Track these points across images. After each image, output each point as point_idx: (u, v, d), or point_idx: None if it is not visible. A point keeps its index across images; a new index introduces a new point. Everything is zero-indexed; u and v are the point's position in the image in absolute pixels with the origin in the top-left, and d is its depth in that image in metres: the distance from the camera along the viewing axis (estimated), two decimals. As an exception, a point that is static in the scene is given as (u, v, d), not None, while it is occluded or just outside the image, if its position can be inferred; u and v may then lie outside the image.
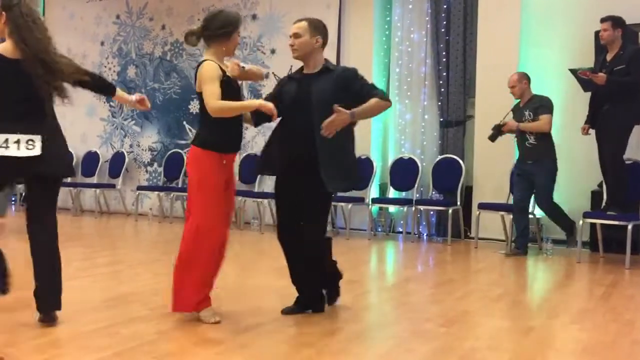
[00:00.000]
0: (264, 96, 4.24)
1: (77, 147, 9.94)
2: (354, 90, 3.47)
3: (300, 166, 3.49)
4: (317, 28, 3.53)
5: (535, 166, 6.11)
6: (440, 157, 7.39)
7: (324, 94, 3.42)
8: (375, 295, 4.53)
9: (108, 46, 9.81)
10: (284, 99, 3.58)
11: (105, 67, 9.82)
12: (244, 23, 8.56)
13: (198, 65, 3.40)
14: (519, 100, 6.28)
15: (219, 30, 3.40)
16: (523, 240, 6.16)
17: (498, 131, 6.20)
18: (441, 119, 7.47)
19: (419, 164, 7.38)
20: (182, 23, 9.14)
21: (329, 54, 7.80)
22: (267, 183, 8.33)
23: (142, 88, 9.48)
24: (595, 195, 6.33)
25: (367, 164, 7.59)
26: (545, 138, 6.06)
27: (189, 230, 3.42)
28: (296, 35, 3.51)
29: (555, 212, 6.20)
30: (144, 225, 8.21)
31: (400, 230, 7.53)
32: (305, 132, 3.42)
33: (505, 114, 6.28)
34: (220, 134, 3.45)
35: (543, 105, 6.05)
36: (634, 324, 3.63)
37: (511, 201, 6.78)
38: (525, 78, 6.21)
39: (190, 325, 3.40)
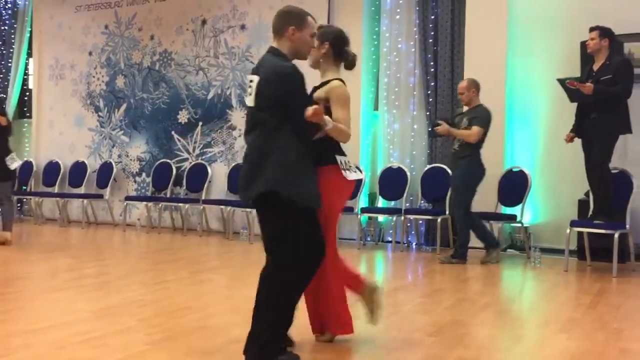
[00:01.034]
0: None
1: (65, 157, 9.90)
2: None
3: None
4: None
5: (456, 171, 6.27)
6: (429, 166, 7.42)
7: None
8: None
9: (96, 56, 9.79)
10: None
11: (94, 77, 9.79)
12: (232, 33, 8.64)
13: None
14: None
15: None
16: (461, 251, 6.15)
17: (433, 129, 6.43)
18: (430, 129, 7.51)
19: (408, 174, 7.41)
20: (170, 33, 9.14)
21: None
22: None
23: (130, 98, 9.47)
24: (582, 204, 6.38)
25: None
26: (468, 146, 6.12)
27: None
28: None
29: (465, 224, 6.17)
30: (132, 236, 8.17)
31: (390, 239, 7.55)
32: None
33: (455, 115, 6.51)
34: None
35: (478, 117, 6.13)
36: (621, 333, 3.65)
37: (500, 210, 6.83)
38: (473, 86, 6.28)
39: (179, 336, 3.38)
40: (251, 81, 2.98)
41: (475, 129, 6.06)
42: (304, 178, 2.95)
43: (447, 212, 7.05)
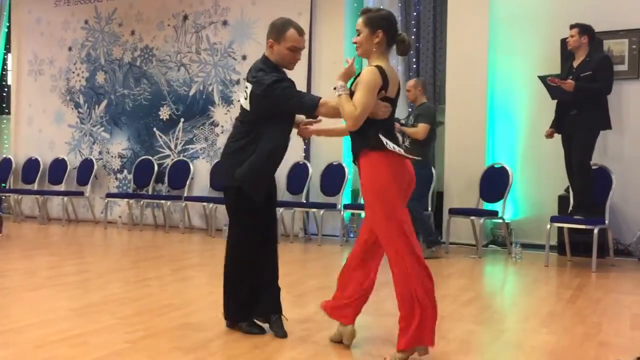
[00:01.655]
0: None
1: (44, 154, 9.79)
2: None
3: None
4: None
5: None
6: (411, 163, 7.43)
7: None
8: (347, 301, 4.52)
9: (76, 51, 9.68)
10: None
11: (74, 72, 9.69)
12: (214, 29, 8.59)
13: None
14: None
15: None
16: (431, 238, 6.33)
17: None
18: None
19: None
20: (151, 29, 9.07)
21: (301, 61, 7.81)
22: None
23: (111, 94, 9.38)
24: (562, 200, 6.44)
25: (338, 170, 7.62)
26: (418, 143, 6.28)
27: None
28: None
29: (419, 218, 6.30)
30: (113, 234, 8.10)
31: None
32: None
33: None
34: None
35: (422, 115, 6.34)
36: (600, 326, 3.69)
37: (482, 206, 6.87)
38: (420, 85, 6.51)
39: (160, 334, 3.36)
40: (246, 87, 3.30)
41: (422, 125, 6.26)
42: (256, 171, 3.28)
43: (429, 209, 7.07)
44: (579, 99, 5.73)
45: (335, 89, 3.01)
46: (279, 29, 3.29)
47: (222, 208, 8.00)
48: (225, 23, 8.54)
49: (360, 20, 3.05)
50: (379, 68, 2.94)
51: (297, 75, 8.05)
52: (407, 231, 2.98)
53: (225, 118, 8.49)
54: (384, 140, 2.95)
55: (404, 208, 3.07)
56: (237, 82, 8.42)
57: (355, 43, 3.07)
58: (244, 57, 8.38)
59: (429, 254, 6.24)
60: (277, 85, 3.19)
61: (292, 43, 3.27)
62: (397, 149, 2.99)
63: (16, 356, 2.97)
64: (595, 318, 3.91)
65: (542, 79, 5.98)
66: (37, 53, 9.99)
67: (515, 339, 3.47)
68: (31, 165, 9.77)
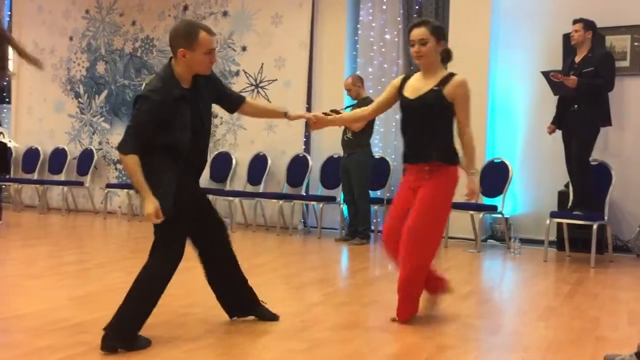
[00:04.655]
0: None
1: (44, 144, 9.78)
2: None
3: None
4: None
5: (350, 159, 6.78)
6: (411, 156, 7.43)
7: None
8: (345, 294, 4.53)
9: (77, 41, 9.65)
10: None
11: (74, 62, 9.67)
12: (214, 20, 8.57)
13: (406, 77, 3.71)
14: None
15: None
16: (352, 229, 6.83)
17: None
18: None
19: (390, 164, 7.42)
20: (152, 19, 9.04)
21: (302, 53, 7.82)
22: (237, 182, 8.30)
23: (111, 84, 9.36)
24: (562, 196, 6.45)
25: (336, 163, 7.60)
26: (359, 135, 6.54)
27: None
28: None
29: (366, 207, 6.81)
30: (112, 224, 8.10)
31: (372, 228, 7.56)
32: None
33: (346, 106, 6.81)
34: None
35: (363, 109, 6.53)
36: (597, 321, 3.71)
37: (481, 201, 6.87)
38: (358, 81, 6.79)
39: (159, 324, 3.36)
40: None
41: None
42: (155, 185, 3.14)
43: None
44: (580, 95, 5.72)
45: None
46: (189, 35, 2.96)
47: (221, 199, 8.02)
48: (225, 14, 8.52)
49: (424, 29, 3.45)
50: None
51: (298, 67, 8.11)
52: None
53: (223, 110, 8.46)
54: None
55: None
56: (237, 73, 8.40)
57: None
58: (243, 48, 8.36)
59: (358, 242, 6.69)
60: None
61: (207, 47, 2.99)
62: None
63: (15, 344, 2.98)
64: (593, 313, 3.92)
65: (545, 74, 5.96)
66: (38, 42, 9.96)
67: (513, 333, 3.48)
68: (31, 155, 9.77)
